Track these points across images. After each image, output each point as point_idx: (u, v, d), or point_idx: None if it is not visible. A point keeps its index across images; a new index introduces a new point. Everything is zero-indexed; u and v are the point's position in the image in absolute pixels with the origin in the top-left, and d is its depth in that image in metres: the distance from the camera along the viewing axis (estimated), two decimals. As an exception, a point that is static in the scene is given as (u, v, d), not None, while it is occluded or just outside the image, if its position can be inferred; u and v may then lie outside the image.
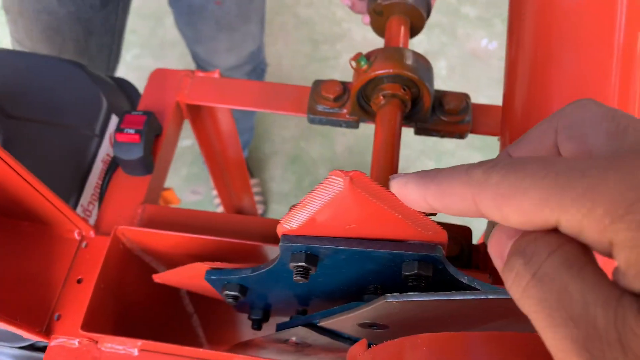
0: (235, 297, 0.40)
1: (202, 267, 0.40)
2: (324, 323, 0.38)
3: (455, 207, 0.22)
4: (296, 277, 0.33)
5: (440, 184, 0.22)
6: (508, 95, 0.45)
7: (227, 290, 0.39)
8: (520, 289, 0.19)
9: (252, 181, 1.63)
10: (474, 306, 0.31)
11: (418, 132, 0.57)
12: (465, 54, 1.91)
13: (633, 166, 0.17)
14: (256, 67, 1.19)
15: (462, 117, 0.56)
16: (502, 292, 0.30)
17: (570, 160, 0.19)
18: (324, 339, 0.41)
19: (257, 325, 0.47)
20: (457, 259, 0.47)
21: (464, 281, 0.33)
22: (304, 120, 0.58)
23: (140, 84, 0.70)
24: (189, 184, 1.68)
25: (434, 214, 0.33)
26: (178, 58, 1.88)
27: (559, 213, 0.18)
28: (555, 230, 0.19)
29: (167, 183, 1.54)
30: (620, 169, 0.17)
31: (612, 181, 0.17)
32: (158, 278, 0.47)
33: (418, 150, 1.74)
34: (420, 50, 2.01)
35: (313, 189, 0.31)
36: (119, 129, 0.53)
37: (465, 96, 0.57)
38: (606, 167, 0.18)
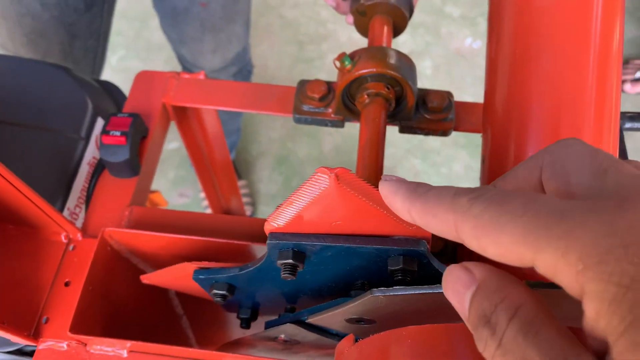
0: (223, 296, 0.40)
1: (190, 267, 0.41)
2: (312, 319, 0.39)
3: (437, 228, 0.23)
4: (284, 274, 0.34)
5: (426, 202, 0.23)
6: (489, 93, 0.46)
7: (215, 289, 0.40)
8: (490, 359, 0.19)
9: (240, 183, 1.63)
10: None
11: (402, 130, 0.58)
12: (449, 53, 1.92)
13: (611, 212, 0.17)
14: (242, 69, 1.19)
15: (446, 115, 0.56)
16: None
17: (551, 200, 0.19)
18: (312, 336, 0.42)
19: (246, 324, 0.47)
20: (441, 254, 0.48)
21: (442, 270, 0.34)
22: (291, 121, 0.58)
23: (126, 86, 0.70)
24: (176, 186, 1.68)
25: None
26: (165, 60, 1.87)
27: (535, 253, 0.18)
28: (530, 268, 0.19)
29: (154, 186, 1.54)
30: (598, 214, 0.17)
31: (589, 226, 0.17)
32: (146, 279, 0.48)
33: (404, 149, 1.75)
34: (405, 50, 2.02)
35: (299, 186, 0.31)
36: (105, 131, 0.53)
37: (448, 94, 0.58)
38: (585, 211, 0.18)
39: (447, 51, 1.93)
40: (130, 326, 0.53)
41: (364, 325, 0.37)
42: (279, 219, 0.33)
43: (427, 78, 1.88)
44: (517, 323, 0.19)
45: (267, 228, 0.34)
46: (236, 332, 0.67)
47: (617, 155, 0.43)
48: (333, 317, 0.38)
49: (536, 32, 0.42)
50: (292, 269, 0.34)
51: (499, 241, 0.19)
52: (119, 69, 1.87)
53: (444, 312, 0.36)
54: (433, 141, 1.74)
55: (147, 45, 1.92)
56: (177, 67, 1.70)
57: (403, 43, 1.95)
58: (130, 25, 1.95)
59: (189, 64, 1.11)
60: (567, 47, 0.41)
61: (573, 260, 0.17)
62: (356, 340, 0.35)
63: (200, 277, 0.40)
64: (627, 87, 1.86)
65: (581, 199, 0.20)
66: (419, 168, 1.74)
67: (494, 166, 0.45)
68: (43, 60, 0.68)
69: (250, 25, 1.12)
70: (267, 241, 0.34)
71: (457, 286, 0.22)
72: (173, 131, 1.75)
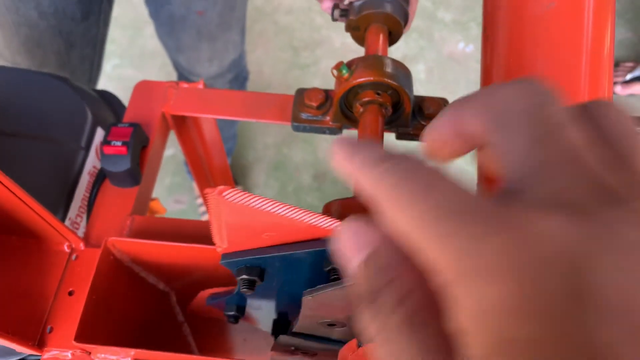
0: (235, 317, 0.41)
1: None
2: (296, 329, 0.40)
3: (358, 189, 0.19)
4: (242, 289, 0.35)
5: (356, 168, 0.19)
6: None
7: (228, 311, 0.41)
8: (367, 344, 0.18)
9: (236, 188, 1.63)
10: None
11: (399, 137, 0.59)
12: (442, 57, 1.94)
13: (511, 226, 0.15)
14: (238, 75, 1.19)
15: (442, 122, 0.57)
16: None
17: (457, 191, 0.16)
18: (318, 344, 0.42)
19: (234, 319, 0.48)
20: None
21: None
22: (286, 127, 0.59)
23: (120, 93, 0.70)
24: (172, 193, 1.68)
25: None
26: (159, 67, 1.88)
27: (420, 244, 0.16)
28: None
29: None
30: (492, 223, 0.15)
31: (466, 233, 0.15)
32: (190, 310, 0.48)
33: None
34: (398, 55, 2.04)
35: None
36: (105, 142, 0.54)
37: (444, 101, 0.59)
38: (480, 220, 0.15)
39: (440, 55, 1.95)
40: (132, 334, 0.54)
41: (342, 329, 0.38)
42: (219, 242, 0.35)
43: (421, 82, 1.90)
44: (406, 310, 0.17)
45: (217, 251, 0.36)
46: (237, 339, 0.67)
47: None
48: (310, 325, 0.39)
49: (530, 40, 0.43)
50: (250, 284, 0.35)
51: (394, 220, 0.17)
52: (113, 76, 1.88)
53: None
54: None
55: (141, 53, 1.92)
56: (172, 74, 1.71)
57: (396, 48, 1.96)
58: (124, 33, 1.95)
59: (185, 71, 1.12)
60: (561, 54, 0.42)
61: (444, 263, 0.16)
62: (359, 346, 0.35)
63: (210, 303, 0.42)
64: (618, 89, 1.88)
65: (503, 196, 0.17)
66: (414, 172, 1.75)
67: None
68: (42, 71, 0.68)
69: (245, 32, 1.13)
70: (220, 262, 0.36)
71: (348, 244, 0.19)
72: (169, 138, 1.74)
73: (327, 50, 1.95)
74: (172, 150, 1.70)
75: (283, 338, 0.44)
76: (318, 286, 0.33)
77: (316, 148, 1.75)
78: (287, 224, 0.33)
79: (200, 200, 1.62)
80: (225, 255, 0.36)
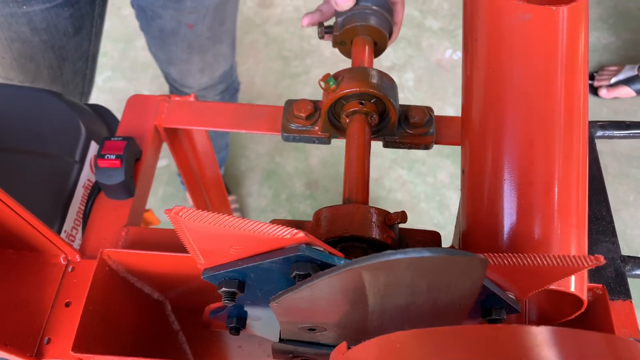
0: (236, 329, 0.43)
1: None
2: (282, 336, 0.41)
3: None
4: (224, 300, 0.37)
5: None
6: (466, 107, 0.49)
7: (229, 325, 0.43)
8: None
9: (230, 198, 1.64)
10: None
11: (387, 145, 0.60)
12: (430, 65, 1.97)
13: None
14: (229, 87, 1.21)
15: (427, 130, 0.59)
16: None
17: None
18: (311, 349, 0.44)
19: (235, 331, 0.49)
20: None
21: (338, 264, 0.37)
22: (278, 136, 0.61)
23: (113, 105, 0.71)
24: (165, 204, 1.68)
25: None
26: (150, 79, 1.89)
27: None
28: None
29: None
30: None
31: None
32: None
33: (390, 159, 1.78)
34: (387, 63, 2.06)
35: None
36: (100, 155, 0.55)
37: (429, 109, 0.60)
38: None
39: (428, 63, 1.98)
40: (128, 343, 0.55)
41: (325, 333, 0.40)
42: (197, 258, 0.37)
43: (410, 90, 1.92)
44: None
45: (199, 267, 0.38)
46: (232, 347, 0.68)
47: (586, 164, 0.46)
48: (293, 331, 0.40)
49: (507, 50, 0.45)
50: (230, 295, 0.37)
51: None
52: (105, 89, 1.89)
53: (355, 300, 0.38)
54: (418, 151, 1.77)
55: (133, 65, 1.93)
56: (163, 86, 1.72)
57: (386, 57, 1.99)
58: (116, 46, 1.96)
59: (177, 83, 1.14)
60: (537, 63, 0.44)
61: None
62: (349, 348, 0.37)
63: (212, 317, 0.43)
64: (603, 92, 1.91)
65: None
66: (405, 178, 1.77)
67: (473, 177, 0.47)
68: (36, 87, 0.69)
69: (235, 43, 1.15)
70: (202, 276, 0.37)
71: None
72: (162, 149, 1.76)
73: (317, 60, 1.97)
74: (166, 161, 1.71)
75: (276, 345, 0.46)
76: (280, 292, 0.35)
77: (308, 156, 1.76)
78: (249, 237, 0.35)
79: (193, 211, 1.63)
80: (205, 271, 0.38)
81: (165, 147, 0.70)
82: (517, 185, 0.44)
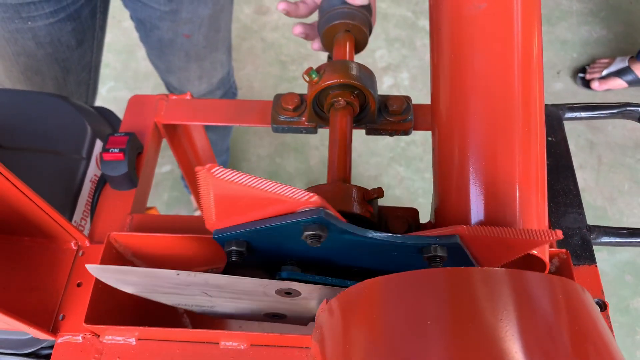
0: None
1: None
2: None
3: None
4: (232, 258, 0.42)
5: None
6: (434, 95, 0.53)
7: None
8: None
9: (232, 200, 1.69)
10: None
11: (369, 132, 0.65)
12: (425, 64, 2.01)
13: None
14: (227, 92, 1.26)
15: (405, 117, 0.64)
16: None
17: None
18: (299, 308, 0.49)
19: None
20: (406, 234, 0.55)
21: (355, 232, 0.41)
22: (278, 138, 0.66)
23: (117, 114, 0.77)
24: (170, 208, 1.74)
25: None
26: (152, 88, 1.95)
27: None
28: None
29: (150, 203, 1.59)
30: None
31: None
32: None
33: (388, 157, 1.82)
34: (382, 64, 2.10)
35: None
36: (104, 149, 0.60)
37: (407, 98, 0.65)
38: None
39: (423, 62, 2.02)
40: (136, 319, 0.59)
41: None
42: (207, 216, 0.41)
43: (405, 89, 1.97)
44: None
45: (207, 227, 0.42)
46: (233, 326, 0.73)
47: (544, 141, 0.50)
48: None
49: (468, 38, 0.49)
50: (238, 254, 0.42)
51: None
52: (109, 99, 1.95)
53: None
54: (415, 148, 1.82)
55: (135, 75, 2.00)
56: (165, 93, 1.77)
57: (381, 57, 2.04)
58: (118, 57, 2.03)
59: (177, 90, 1.19)
60: (494, 50, 0.49)
61: None
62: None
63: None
64: (595, 85, 1.95)
65: None
66: (403, 175, 1.81)
67: (442, 157, 0.52)
68: (44, 92, 0.75)
69: (231, 51, 1.20)
70: (212, 237, 0.42)
71: None
72: (165, 155, 1.81)
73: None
74: (169, 166, 1.76)
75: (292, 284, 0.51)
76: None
77: (308, 157, 1.81)
78: (269, 198, 0.39)
79: (198, 213, 1.68)
80: (216, 231, 0.42)
81: (169, 153, 0.74)
82: (481, 163, 0.48)
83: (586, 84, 1.98)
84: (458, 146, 0.50)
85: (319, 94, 0.61)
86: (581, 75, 1.99)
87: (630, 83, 1.94)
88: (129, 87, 1.97)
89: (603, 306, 0.53)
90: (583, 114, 0.66)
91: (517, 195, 0.48)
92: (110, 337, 0.53)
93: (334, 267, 0.49)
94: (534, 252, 0.47)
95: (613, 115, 0.67)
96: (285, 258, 0.47)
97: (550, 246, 0.57)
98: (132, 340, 0.53)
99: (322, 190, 0.52)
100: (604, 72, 1.95)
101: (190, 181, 0.83)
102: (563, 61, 2.07)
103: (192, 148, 0.78)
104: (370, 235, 0.42)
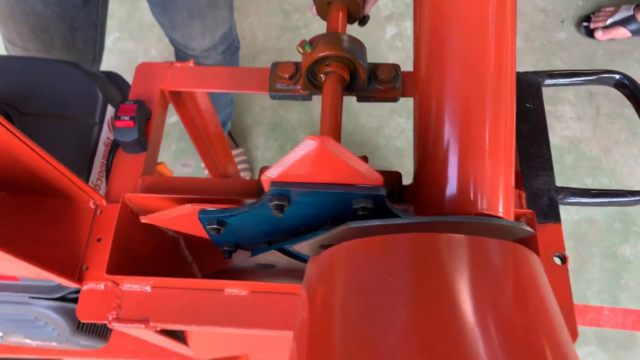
0: (217, 230, 0.54)
1: (190, 207, 0.54)
2: (294, 247, 0.53)
3: None
4: (274, 212, 0.48)
5: None
6: (416, 64, 0.57)
7: (210, 225, 0.53)
8: None
9: (237, 151, 1.75)
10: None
11: (359, 99, 0.70)
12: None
13: None
14: (230, 46, 1.29)
15: (394, 85, 0.68)
16: (410, 218, 0.45)
17: None
18: (287, 261, 0.55)
19: (228, 254, 0.60)
20: (389, 196, 0.61)
21: (395, 212, 0.47)
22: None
23: (122, 65, 0.81)
24: (179, 157, 1.80)
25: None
26: (157, 39, 1.97)
27: None
28: None
29: (159, 158, 1.66)
30: None
31: None
32: (145, 219, 0.60)
33: (389, 108, 1.86)
34: (386, 12, 2.09)
35: (293, 149, 0.44)
36: (116, 117, 0.66)
37: (395, 67, 0.69)
38: None
39: (426, 11, 2.01)
40: (151, 268, 0.67)
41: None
42: (272, 172, 0.46)
43: (408, 38, 1.97)
44: None
45: (265, 179, 0.48)
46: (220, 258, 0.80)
47: (513, 110, 0.55)
48: (311, 245, 0.51)
49: (447, 9, 0.53)
50: (280, 209, 0.48)
51: None
52: (114, 50, 1.97)
53: None
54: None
55: (140, 26, 2.01)
56: (169, 46, 1.79)
57: (384, 6, 2.04)
58: (122, 8, 2.03)
59: (181, 46, 1.22)
60: (469, 21, 0.52)
61: None
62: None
63: (203, 216, 0.54)
64: (599, 34, 1.94)
65: None
66: (404, 126, 1.85)
67: (420, 122, 0.57)
68: (55, 59, 0.79)
69: (233, 6, 1.22)
70: (270, 187, 0.47)
71: None
72: (171, 107, 1.85)
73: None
74: (175, 117, 1.81)
75: (271, 254, 0.58)
76: (367, 220, 0.45)
77: (311, 109, 1.85)
78: (344, 165, 0.45)
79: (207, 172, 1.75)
80: (274, 183, 0.48)
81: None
82: (454, 129, 0.53)
83: (590, 33, 1.97)
84: (435, 112, 0.54)
85: (313, 65, 0.65)
86: (585, 24, 1.98)
87: (634, 32, 1.93)
88: (134, 38, 1.99)
89: (563, 259, 0.59)
90: (561, 81, 0.70)
91: (487, 159, 0.53)
92: (128, 285, 0.60)
93: (288, 231, 0.55)
94: (499, 214, 0.53)
95: (591, 82, 0.71)
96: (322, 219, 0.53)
97: (520, 207, 0.63)
98: (148, 288, 0.60)
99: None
100: (609, 21, 1.94)
101: (195, 139, 0.89)
102: (568, 9, 2.06)
103: (196, 109, 0.83)
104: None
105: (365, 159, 0.57)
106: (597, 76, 0.69)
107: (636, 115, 0.65)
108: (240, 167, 1.72)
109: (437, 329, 0.34)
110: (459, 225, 0.48)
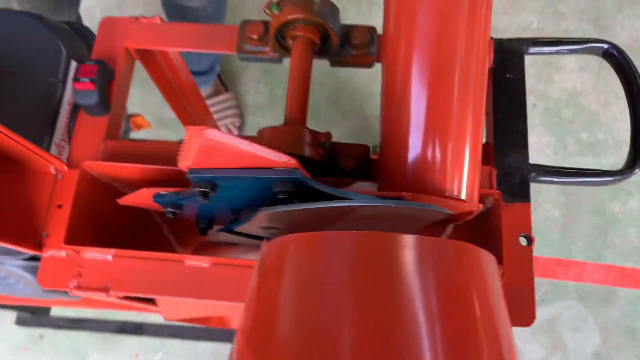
0: (173, 213, 0.52)
1: (148, 192, 0.53)
2: (238, 229, 0.51)
3: None
4: (200, 198, 0.46)
5: None
6: (385, 28, 0.54)
7: (167, 208, 0.52)
8: None
9: (227, 95, 1.71)
10: (328, 210, 0.44)
11: (333, 64, 0.66)
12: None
13: None
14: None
15: (367, 50, 0.65)
16: (354, 199, 0.43)
17: None
18: (246, 240, 0.55)
19: (203, 232, 0.60)
20: (354, 172, 0.59)
21: (324, 190, 0.45)
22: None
23: (96, 11, 0.76)
24: (159, 108, 1.73)
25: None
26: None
27: None
28: None
29: (141, 110, 1.63)
30: None
31: None
32: (122, 201, 0.60)
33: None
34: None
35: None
36: (75, 79, 0.63)
37: (370, 29, 0.65)
38: None
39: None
40: (117, 237, 0.66)
41: (275, 231, 0.50)
42: (184, 160, 0.45)
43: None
44: None
45: (180, 166, 0.46)
46: (210, 233, 0.80)
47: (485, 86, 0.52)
48: (252, 226, 0.50)
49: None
50: (204, 195, 0.46)
51: None
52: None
53: (327, 219, 0.48)
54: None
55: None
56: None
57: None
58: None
59: (175, 4, 1.17)
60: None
61: None
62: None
63: (156, 200, 0.52)
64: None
65: None
66: (398, 73, 1.80)
67: (387, 90, 0.54)
68: (18, 11, 0.75)
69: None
70: (188, 175, 0.46)
71: None
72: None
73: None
74: (164, 59, 1.75)
75: (227, 235, 0.57)
76: (276, 206, 0.44)
77: (303, 52, 1.79)
78: (250, 155, 0.43)
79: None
80: (192, 170, 0.46)
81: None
82: (421, 101, 0.50)
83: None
84: (401, 78, 0.52)
85: (281, 27, 0.62)
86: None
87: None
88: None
89: (529, 240, 0.58)
90: (546, 49, 0.66)
91: (452, 137, 0.51)
92: (89, 253, 0.60)
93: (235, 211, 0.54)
94: (463, 197, 0.51)
95: (578, 51, 0.67)
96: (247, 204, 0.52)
97: (490, 185, 0.61)
98: (109, 257, 0.60)
99: (276, 132, 0.55)
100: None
101: (168, 95, 0.86)
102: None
103: (169, 66, 0.80)
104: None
105: (328, 135, 0.55)
106: (585, 45, 0.66)
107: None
108: (229, 112, 1.69)
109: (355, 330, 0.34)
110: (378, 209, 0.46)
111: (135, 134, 1.23)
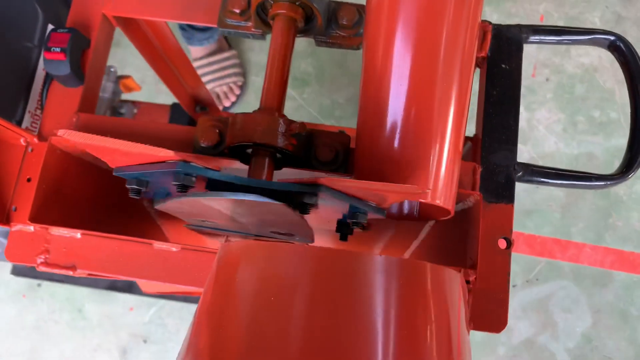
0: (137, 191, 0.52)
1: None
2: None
3: None
4: (130, 194, 0.46)
5: None
6: (367, 15, 0.51)
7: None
8: None
9: (230, 53, 1.66)
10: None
11: (318, 44, 0.63)
12: None
13: None
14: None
15: (356, 31, 0.61)
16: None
17: None
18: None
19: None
20: (331, 163, 0.56)
21: (215, 177, 0.45)
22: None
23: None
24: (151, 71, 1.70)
25: None
26: None
27: None
28: None
29: (133, 72, 1.59)
30: None
31: None
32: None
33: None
34: None
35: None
36: (46, 47, 0.60)
37: (360, 8, 0.61)
38: None
39: None
40: (88, 212, 0.65)
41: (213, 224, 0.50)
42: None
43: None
44: None
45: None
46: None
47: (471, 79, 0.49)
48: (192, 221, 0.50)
49: None
50: (136, 192, 0.45)
51: None
52: None
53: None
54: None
55: None
56: None
57: None
58: None
59: None
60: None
61: None
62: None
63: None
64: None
65: None
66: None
67: (365, 76, 0.51)
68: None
69: None
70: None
71: None
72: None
73: None
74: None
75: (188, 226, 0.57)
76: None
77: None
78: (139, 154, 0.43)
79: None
80: (116, 169, 0.46)
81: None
82: (400, 95, 0.47)
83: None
84: (381, 61, 0.49)
85: (263, 3, 0.58)
86: None
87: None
88: None
89: (509, 243, 0.56)
90: (547, 38, 0.62)
91: (432, 132, 0.48)
92: (57, 230, 0.59)
93: None
94: (437, 202, 0.49)
95: (582, 42, 0.62)
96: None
97: (474, 182, 0.58)
98: (77, 234, 0.59)
99: (248, 119, 0.53)
100: None
101: (153, 61, 0.83)
102: None
103: (158, 37, 0.76)
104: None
105: (302, 126, 0.52)
106: (590, 36, 0.61)
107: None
108: (231, 71, 1.64)
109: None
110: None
111: (126, 96, 1.20)
